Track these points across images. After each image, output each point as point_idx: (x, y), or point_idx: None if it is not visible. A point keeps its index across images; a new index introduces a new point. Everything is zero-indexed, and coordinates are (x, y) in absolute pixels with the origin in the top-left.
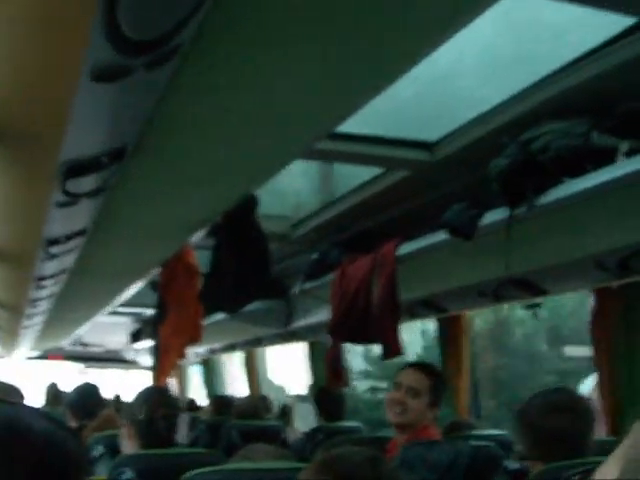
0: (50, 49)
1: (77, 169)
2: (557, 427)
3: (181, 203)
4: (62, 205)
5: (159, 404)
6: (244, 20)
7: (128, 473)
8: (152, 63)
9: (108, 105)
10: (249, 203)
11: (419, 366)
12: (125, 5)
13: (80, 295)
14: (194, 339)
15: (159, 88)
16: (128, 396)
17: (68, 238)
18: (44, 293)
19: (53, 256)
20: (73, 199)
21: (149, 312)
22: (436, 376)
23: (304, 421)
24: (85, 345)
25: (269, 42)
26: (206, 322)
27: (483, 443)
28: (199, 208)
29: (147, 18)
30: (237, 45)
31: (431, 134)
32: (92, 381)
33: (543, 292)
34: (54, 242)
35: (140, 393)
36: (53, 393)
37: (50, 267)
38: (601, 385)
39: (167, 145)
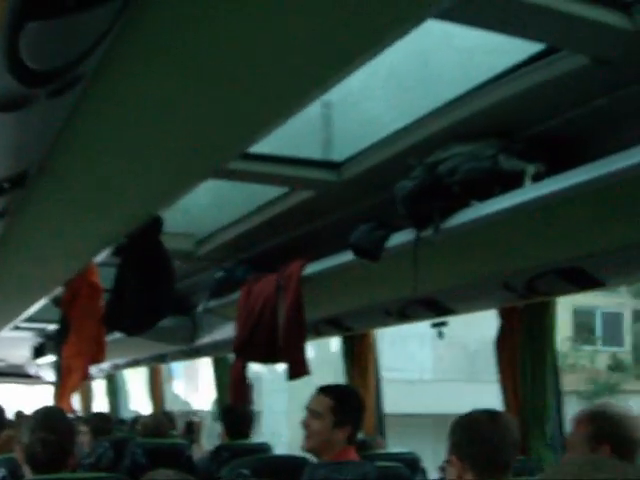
0: None
1: None
2: (491, 437)
3: (85, 224)
4: None
5: (40, 428)
6: (148, 46)
7: None
8: (54, 92)
9: (9, 133)
10: (153, 223)
11: (323, 388)
12: (27, 37)
13: None
14: (97, 359)
15: (61, 115)
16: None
17: None
18: None
19: None
20: None
21: (52, 327)
22: (340, 396)
23: (212, 439)
24: None
25: (175, 67)
26: (110, 338)
27: (390, 464)
28: (103, 229)
29: (49, 49)
30: (142, 71)
31: (338, 155)
32: None
33: (449, 311)
34: None
35: (30, 415)
36: None
37: None
38: (507, 404)
39: (70, 169)
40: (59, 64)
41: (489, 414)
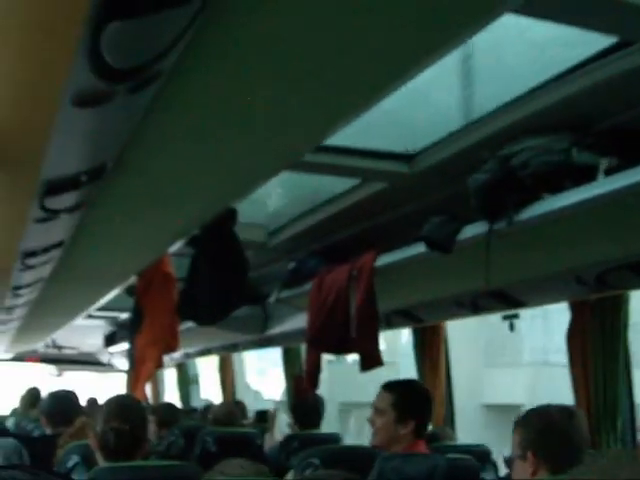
0: (33, 75)
1: (56, 187)
2: (562, 429)
3: (159, 218)
4: (40, 221)
5: (113, 417)
6: (226, 42)
7: None
8: (133, 88)
9: (89, 128)
10: (228, 215)
11: (386, 385)
12: (109, 35)
13: (56, 301)
14: (171, 348)
15: (139, 110)
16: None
17: (45, 250)
18: (20, 301)
19: (30, 267)
20: (52, 215)
21: (124, 316)
22: (402, 392)
23: (283, 429)
24: (60, 348)
25: (251, 59)
26: (182, 327)
27: (459, 456)
28: (177, 222)
29: (130, 47)
30: (217, 65)
31: (410, 146)
32: (68, 386)
33: (521, 304)
34: (31, 254)
35: (104, 403)
36: (31, 397)
37: (26, 277)
38: (578, 398)
39: (147, 162)
40: (139, 62)
41: (564, 410)
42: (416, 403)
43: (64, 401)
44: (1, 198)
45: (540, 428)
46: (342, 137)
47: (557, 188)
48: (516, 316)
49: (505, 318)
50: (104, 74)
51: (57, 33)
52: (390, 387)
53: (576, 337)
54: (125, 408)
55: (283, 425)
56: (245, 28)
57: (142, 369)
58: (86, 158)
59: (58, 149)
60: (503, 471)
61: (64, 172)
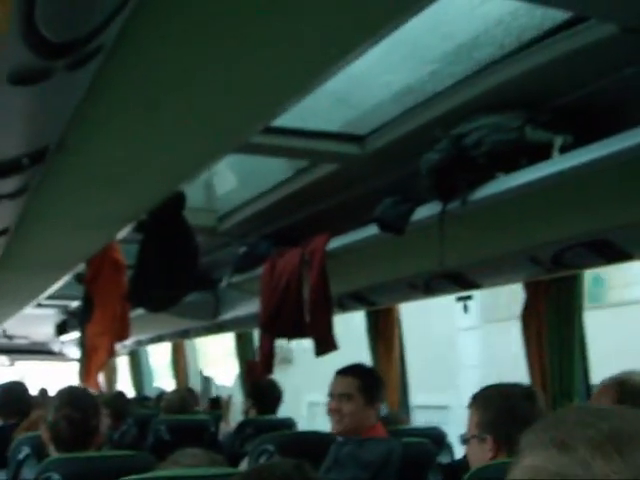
0: None
1: None
2: (525, 414)
3: (106, 201)
4: None
5: (65, 406)
6: (170, 18)
7: (54, 477)
8: (73, 65)
9: (28, 107)
10: (176, 199)
11: (346, 370)
12: (43, 8)
13: (3, 290)
14: (122, 337)
15: (81, 88)
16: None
17: None
18: None
19: None
20: None
21: (75, 304)
22: (365, 375)
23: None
24: (10, 337)
25: (197, 39)
26: (133, 314)
27: (415, 439)
28: (124, 205)
29: (67, 20)
30: (164, 42)
31: (361, 128)
32: (19, 378)
33: (475, 285)
34: None
35: (55, 394)
36: None
37: None
38: (533, 380)
39: (91, 144)
40: (77, 35)
41: (525, 391)
42: (380, 385)
43: (14, 393)
44: None
45: (502, 412)
46: (292, 119)
47: (511, 167)
48: (469, 297)
49: (459, 300)
50: (41, 49)
51: None
52: (351, 372)
53: (531, 317)
54: (77, 397)
55: (239, 411)
56: (186, 3)
57: (94, 358)
58: (27, 140)
59: None
60: (459, 453)
61: (4, 155)
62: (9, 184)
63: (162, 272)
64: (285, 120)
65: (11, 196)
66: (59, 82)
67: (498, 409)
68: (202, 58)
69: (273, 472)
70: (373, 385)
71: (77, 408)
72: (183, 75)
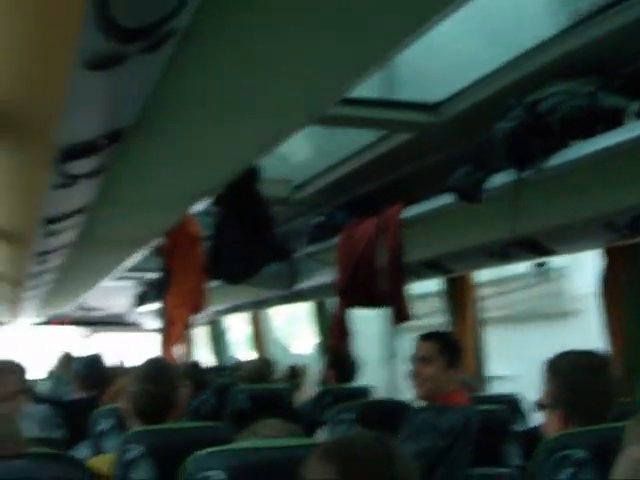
0: (45, 40)
1: (75, 152)
2: (591, 387)
3: (182, 177)
4: (60, 186)
5: (145, 379)
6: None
7: (136, 450)
8: (147, 48)
9: (104, 91)
10: (251, 172)
11: (426, 335)
12: None
13: (82, 266)
14: (198, 309)
15: (155, 71)
16: (135, 360)
17: (67, 216)
18: (45, 267)
19: (52, 233)
20: (71, 180)
21: (153, 276)
22: (445, 339)
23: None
24: (89, 310)
25: (273, 15)
26: (211, 285)
27: (492, 407)
28: (200, 181)
29: (140, 5)
30: (236, 20)
31: (435, 96)
32: (98, 349)
33: (551, 252)
34: (53, 220)
35: (137, 366)
36: (65, 360)
37: (50, 243)
38: (611, 345)
39: (167, 123)
40: (151, 20)
41: (594, 361)
42: (459, 350)
43: (94, 365)
44: (20, 166)
45: (568, 383)
46: (366, 89)
47: (585, 133)
48: (545, 264)
49: (535, 266)
50: (115, 35)
51: None
52: (431, 336)
53: (610, 285)
54: (156, 370)
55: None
56: None
57: (172, 330)
58: (103, 122)
59: (74, 114)
60: (535, 419)
61: (82, 137)
62: (86, 164)
63: (238, 244)
64: (359, 91)
65: (88, 176)
66: (134, 66)
67: (565, 380)
68: (279, 33)
69: (355, 445)
70: (453, 349)
71: (156, 382)
72: (259, 51)
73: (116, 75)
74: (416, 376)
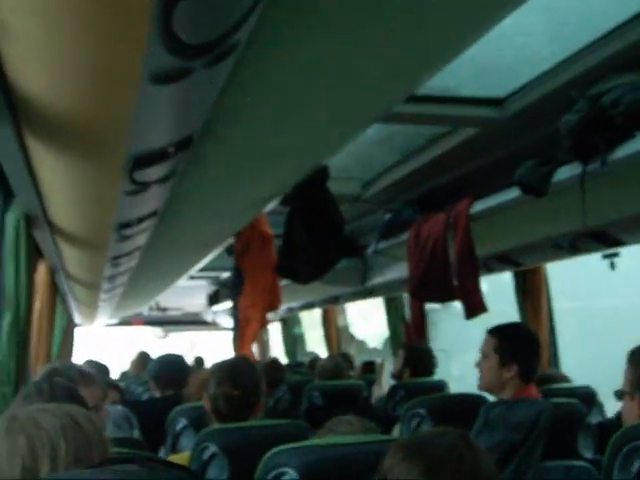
0: (111, 57)
1: (144, 161)
2: None
3: (251, 181)
4: (132, 193)
5: (224, 381)
6: (300, 7)
7: (212, 449)
8: (210, 62)
9: (170, 103)
10: (319, 172)
11: (491, 329)
12: (180, 12)
13: (155, 267)
14: (273, 307)
15: (220, 82)
16: (211, 358)
17: (140, 220)
18: (119, 270)
19: (126, 237)
20: (142, 187)
21: (226, 274)
22: (505, 336)
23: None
24: (164, 310)
25: (337, 10)
26: (283, 282)
27: (565, 400)
28: (269, 184)
29: (203, 22)
30: (303, 17)
31: (500, 91)
32: (174, 349)
33: (620, 243)
34: (126, 225)
35: (215, 366)
36: (140, 360)
37: (124, 247)
38: None
39: (234, 129)
40: (212, 36)
41: None
42: (519, 347)
43: (172, 365)
44: (93, 174)
45: None
46: (431, 86)
47: None
48: (616, 254)
49: (605, 257)
50: (178, 51)
51: (129, 13)
52: (494, 331)
53: None
54: (236, 373)
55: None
56: None
57: (247, 329)
58: (171, 131)
59: (143, 125)
60: (611, 411)
61: (151, 146)
62: (157, 171)
63: (310, 244)
64: (424, 88)
65: (159, 182)
66: (198, 78)
67: None
68: (344, 34)
69: (439, 444)
70: (510, 345)
71: (236, 385)
72: (326, 53)
73: (182, 87)
74: (478, 369)
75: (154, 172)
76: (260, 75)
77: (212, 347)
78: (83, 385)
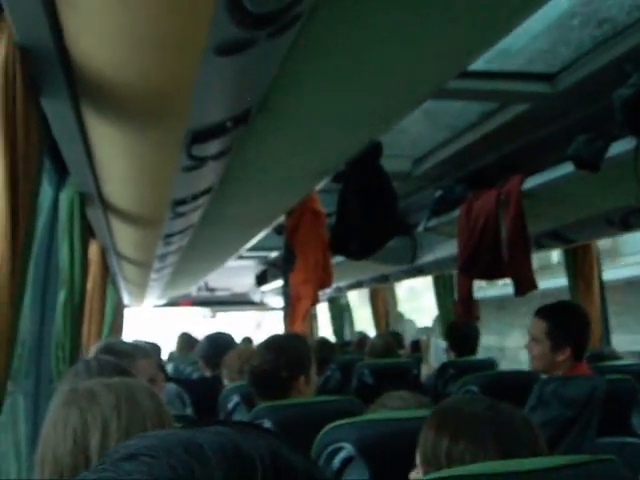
0: (176, 27)
1: (203, 135)
2: None
3: (306, 156)
4: (189, 169)
5: (254, 356)
6: None
7: (266, 425)
8: (273, 33)
9: (232, 75)
10: (373, 148)
11: (541, 311)
12: None
13: (206, 246)
14: (325, 284)
15: (281, 55)
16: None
17: (195, 197)
18: (171, 248)
19: (180, 214)
20: (199, 162)
21: (274, 254)
22: (556, 319)
23: (440, 356)
24: (212, 290)
25: None
26: (333, 261)
27: (619, 376)
28: (323, 159)
29: None
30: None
31: (551, 66)
32: (222, 328)
33: None
34: (181, 202)
35: (260, 345)
36: (184, 341)
37: (177, 225)
38: None
39: (291, 103)
40: (277, 6)
41: None
42: (571, 329)
43: (221, 343)
44: (151, 150)
45: None
46: (482, 61)
47: None
48: None
49: None
50: (244, 21)
51: None
52: (544, 314)
53: None
54: (267, 348)
55: (440, 352)
56: None
57: (298, 307)
58: (230, 105)
59: (203, 98)
60: None
61: (210, 120)
62: (214, 146)
63: (363, 220)
64: (475, 63)
65: (216, 157)
66: (260, 51)
67: None
68: (398, 13)
69: (468, 414)
70: (563, 329)
71: (265, 360)
72: (377, 30)
73: (244, 60)
74: (529, 351)
75: (211, 147)
76: (316, 49)
77: (278, 326)
78: (140, 357)
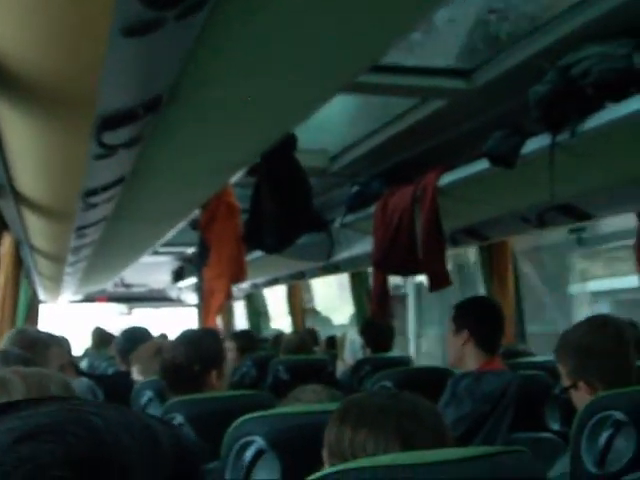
0: (80, 6)
1: (113, 122)
2: (603, 348)
3: (219, 147)
4: (100, 157)
5: (167, 351)
6: None
7: (177, 419)
8: (182, 14)
9: (141, 58)
10: (287, 141)
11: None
12: None
13: (121, 240)
14: (239, 279)
15: (191, 38)
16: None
17: (106, 188)
18: (85, 241)
19: (92, 206)
20: (110, 151)
21: (191, 250)
22: (458, 305)
23: (353, 353)
24: (128, 286)
25: None
26: (248, 257)
27: (532, 372)
28: (237, 151)
29: None
30: None
31: (468, 62)
32: (138, 323)
33: (588, 216)
34: (93, 192)
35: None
36: (98, 336)
37: (89, 216)
38: None
39: (203, 92)
40: None
41: (596, 324)
42: (469, 313)
43: (137, 337)
44: (60, 138)
45: (577, 356)
46: (398, 57)
47: (620, 95)
48: (583, 229)
49: (571, 232)
50: (150, 1)
51: None
52: (455, 304)
53: None
54: (180, 341)
55: (357, 348)
56: None
57: (212, 301)
58: (141, 90)
59: (111, 83)
60: None
61: (120, 106)
62: (125, 133)
63: (276, 214)
64: (391, 57)
65: (127, 145)
66: (169, 32)
67: (576, 355)
68: (309, 2)
69: (369, 404)
70: (460, 312)
71: (178, 353)
72: (289, 17)
73: (152, 41)
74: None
75: (122, 135)
76: (228, 38)
77: (179, 324)
78: (54, 345)
